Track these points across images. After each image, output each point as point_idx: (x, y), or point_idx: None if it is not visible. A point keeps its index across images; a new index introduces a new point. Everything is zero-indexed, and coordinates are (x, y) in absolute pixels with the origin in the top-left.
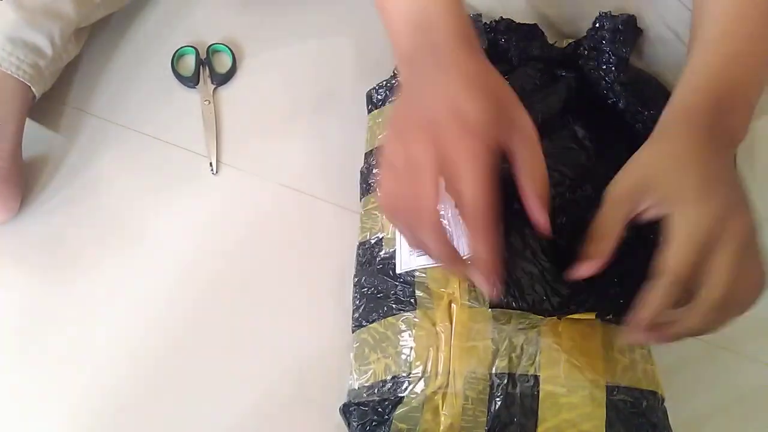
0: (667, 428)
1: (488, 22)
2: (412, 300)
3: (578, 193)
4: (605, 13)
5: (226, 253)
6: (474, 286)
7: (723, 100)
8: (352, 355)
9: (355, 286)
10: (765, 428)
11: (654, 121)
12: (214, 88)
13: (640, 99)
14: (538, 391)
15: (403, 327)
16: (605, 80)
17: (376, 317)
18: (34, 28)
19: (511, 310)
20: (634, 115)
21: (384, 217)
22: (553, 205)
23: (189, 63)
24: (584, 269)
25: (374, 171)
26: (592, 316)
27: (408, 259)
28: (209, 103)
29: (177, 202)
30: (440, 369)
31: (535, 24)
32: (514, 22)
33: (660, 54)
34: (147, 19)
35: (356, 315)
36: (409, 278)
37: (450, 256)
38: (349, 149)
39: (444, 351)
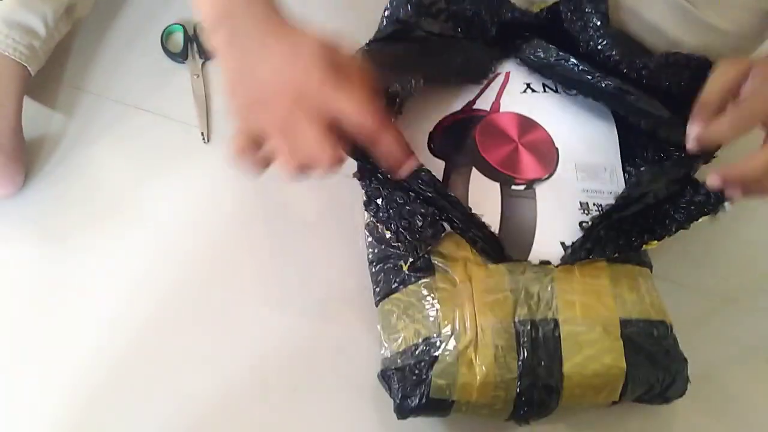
0: (679, 353)
1: None
2: (428, 267)
3: None
4: None
5: (222, 218)
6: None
7: None
8: (379, 326)
9: (371, 263)
10: None
11: (647, 68)
12: (203, 63)
13: (630, 49)
14: (559, 333)
15: (425, 292)
16: (596, 35)
17: (396, 287)
18: (28, 10)
19: (524, 262)
20: (629, 65)
21: None
22: None
23: (178, 40)
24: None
25: None
26: (603, 262)
27: None
28: (198, 77)
29: (172, 170)
30: (468, 324)
31: None
32: None
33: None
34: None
35: (377, 289)
36: None
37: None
38: None
39: (468, 308)
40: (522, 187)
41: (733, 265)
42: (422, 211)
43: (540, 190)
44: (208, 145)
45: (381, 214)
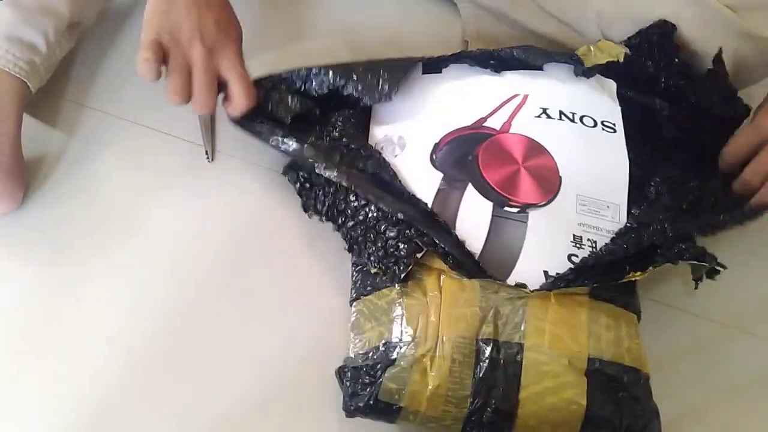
0: (651, 405)
1: None
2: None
3: None
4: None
5: (223, 238)
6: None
7: None
8: (349, 326)
9: (353, 264)
10: None
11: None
12: None
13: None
14: (521, 359)
15: (395, 297)
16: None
17: (371, 290)
18: (29, 26)
19: (499, 282)
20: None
21: None
22: None
23: None
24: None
25: None
26: (585, 291)
27: None
28: None
29: (174, 189)
30: (429, 334)
31: None
32: None
33: None
34: (141, 14)
35: (353, 289)
36: None
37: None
38: None
39: (434, 317)
40: (515, 210)
41: (738, 292)
42: (391, 234)
43: (534, 215)
44: (211, 164)
45: (359, 251)
